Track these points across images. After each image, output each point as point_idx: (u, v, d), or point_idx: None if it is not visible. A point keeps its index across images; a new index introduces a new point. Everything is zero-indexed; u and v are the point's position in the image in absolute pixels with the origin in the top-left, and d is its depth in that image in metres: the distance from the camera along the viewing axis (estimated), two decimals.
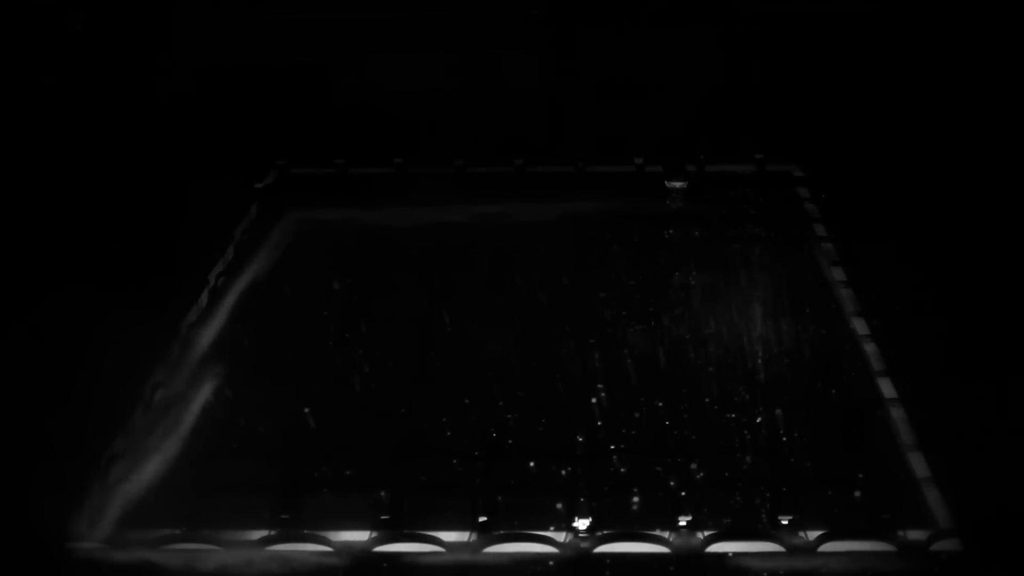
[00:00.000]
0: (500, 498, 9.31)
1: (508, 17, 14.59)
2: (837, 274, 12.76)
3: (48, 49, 11.47)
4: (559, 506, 9.25)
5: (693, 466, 9.52)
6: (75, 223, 11.67)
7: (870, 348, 11.36)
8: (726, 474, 9.48)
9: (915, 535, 8.82)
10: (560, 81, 14.39)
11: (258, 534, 8.92)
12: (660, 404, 10.42)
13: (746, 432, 10.07)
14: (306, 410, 10.49)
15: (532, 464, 9.63)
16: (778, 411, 10.28)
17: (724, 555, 8.62)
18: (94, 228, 12.02)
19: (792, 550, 8.61)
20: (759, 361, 11.16)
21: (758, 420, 10.20)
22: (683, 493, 9.26)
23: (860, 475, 9.45)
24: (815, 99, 13.90)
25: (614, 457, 9.67)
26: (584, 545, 8.78)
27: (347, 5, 14.50)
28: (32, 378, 10.24)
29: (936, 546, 8.64)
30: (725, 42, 14.50)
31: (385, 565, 8.62)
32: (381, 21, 14.46)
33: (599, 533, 8.92)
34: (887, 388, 10.67)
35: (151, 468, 9.69)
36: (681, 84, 14.29)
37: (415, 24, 14.34)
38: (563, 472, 9.55)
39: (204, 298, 12.67)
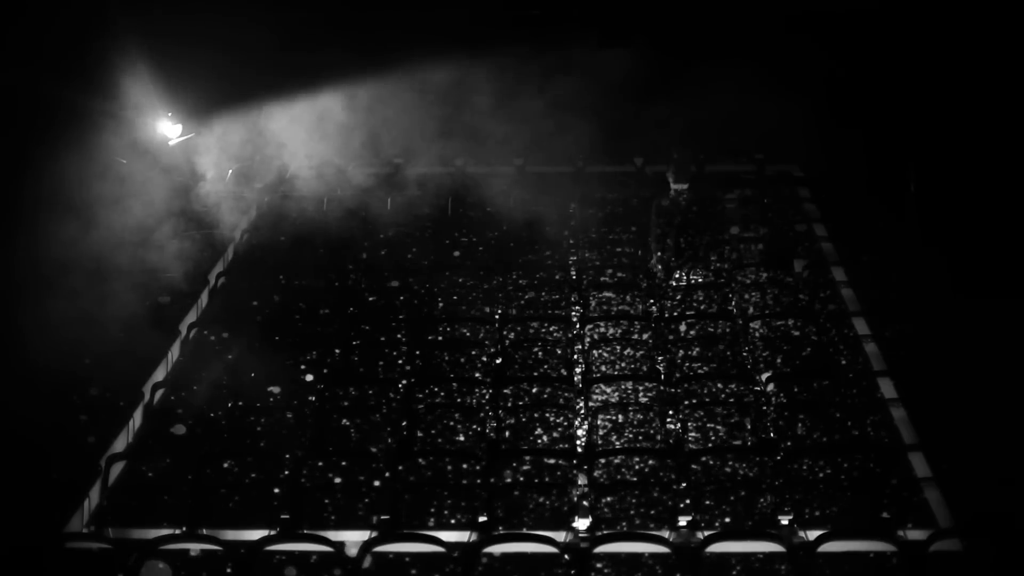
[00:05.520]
0: (500, 498, 9.31)
1: (508, 17, 14.60)
2: (837, 274, 12.78)
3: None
4: (559, 506, 9.25)
5: (693, 466, 9.52)
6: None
7: (870, 348, 11.39)
8: (726, 474, 9.48)
9: (915, 535, 8.82)
10: (561, 81, 14.39)
11: (258, 534, 8.92)
12: (661, 404, 10.42)
13: (746, 432, 10.06)
14: (306, 410, 10.50)
15: (531, 464, 9.62)
16: (778, 410, 10.29)
17: (724, 555, 8.61)
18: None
19: (792, 550, 8.59)
20: (759, 360, 11.17)
21: (758, 420, 10.20)
22: (683, 492, 9.27)
23: (860, 475, 9.44)
24: (816, 99, 13.89)
25: (614, 457, 9.66)
26: (584, 545, 8.77)
27: (348, 5, 14.47)
28: (32, 378, 10.23)
29: (936, 546, 8.63)
30: (726, 42, 14.48)
31: (385, 565, 8.61)
32: (380, 21, 14.44)
33: (599, 533, 8.92)
34: (887, 388, 10.68)
35: (151, 468, 9.68)
36: (682, 84, 14.29)
37: (416, 25, 14.34)
38: (561, 472, 9.55)
39: (204, 298, 12.70)
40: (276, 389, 10.66)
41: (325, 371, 11.17)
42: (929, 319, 11.48)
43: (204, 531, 8.98)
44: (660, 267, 12.24)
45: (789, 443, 9.93)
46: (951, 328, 11.04)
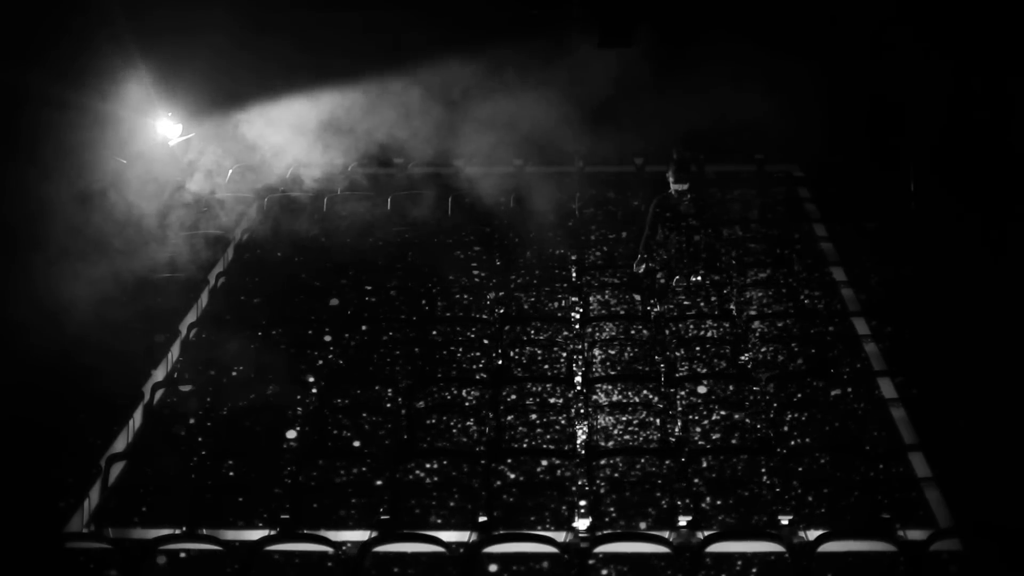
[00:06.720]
0: (500, 498, 9.31)
1: (509, 17, 14.63)
2: (837, 274, 12.78)
3: None
4: (559, 506, 9.25)
5: (693, 466, 9.52)
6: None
7: (870, 348, 11.39)
8: (726, 474, 9.48)
9: (915, 535, 8.82)
10: (560, 80, 14.42)
11: (258, 534, 8.92)
12: (661, 404, 10.42)
13: (747, 432, 10.06)
14: (307, 410, 10.50)
15: (532, 464, 9.62)
16: (778, 409, 10.29)
17: (724, 555, 8.61)
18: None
19: (792, 550, 8.59)
20: (759, 359, 11.17)
21: (759, 419, 10.20)
22: (683, 492, 9.27)
23: (860, 475, 9.44)
24: (816, 99, 13.92)
25: (614, 457, 9.66)
26: (584, 545, 8.77)
27: (347, 5, 14.49)
28: (32, 378, 10.24)
29: (936, 546, 8.63)
30: (726, 42, 14.51)
31: (385, 565, 8.61)
32: (381, 22, 14.47)
33: (599, 533, 8.92)
34: (887, 388, 10.69)
35: (151, 468, 9.69)
36: (683, 83, 14.32)
37: (416, 25, 14.37)
38: (563, 472, 9.56)
39: (204, 298, 12.70)
40: (276, 388, 10.66)
41: (325, 371, 11.17)
42: (929, 317, 11.49)
43: (204, 531, 8.97)
44: (646, 266, 12.18)
45: (789, 443, 9.93)
46: (951, 327, 11.05)
